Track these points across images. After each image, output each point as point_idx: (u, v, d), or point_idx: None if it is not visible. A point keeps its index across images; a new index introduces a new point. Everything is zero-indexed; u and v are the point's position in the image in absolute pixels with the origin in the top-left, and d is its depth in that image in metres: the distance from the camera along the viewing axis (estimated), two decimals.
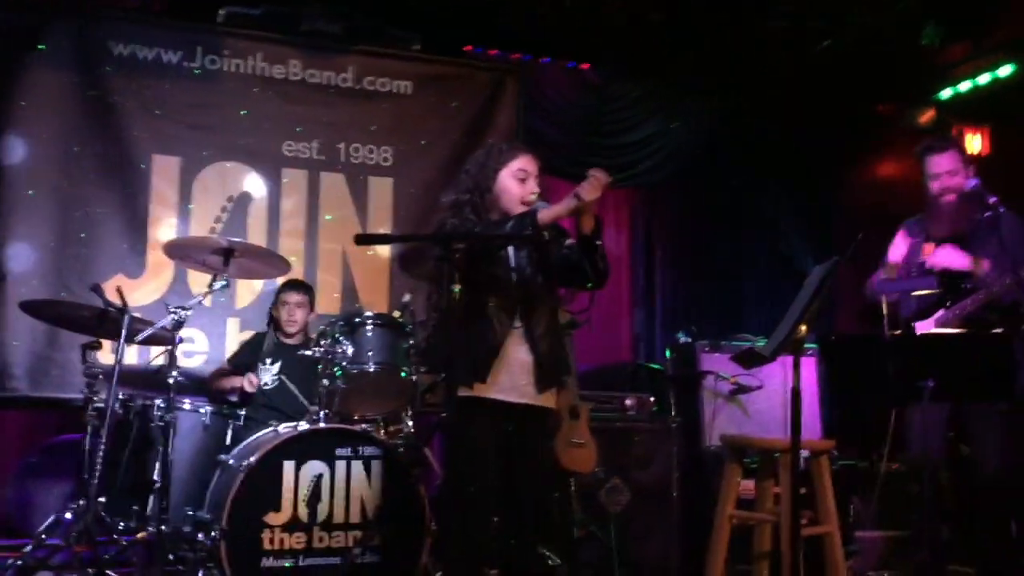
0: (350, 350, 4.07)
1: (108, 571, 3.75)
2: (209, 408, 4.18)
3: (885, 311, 3.97)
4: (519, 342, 3.08)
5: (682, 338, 5.51)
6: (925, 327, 3.90)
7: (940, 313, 3.86)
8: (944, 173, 4.01)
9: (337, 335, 4.11)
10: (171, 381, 3.90)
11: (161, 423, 3.92)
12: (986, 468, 3.85)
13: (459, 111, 5.75)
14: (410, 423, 4.29)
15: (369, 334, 4.15)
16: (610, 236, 6.52)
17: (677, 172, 6.37)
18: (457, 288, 2.67)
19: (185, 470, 4.04)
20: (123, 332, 3.87)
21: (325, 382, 4.05)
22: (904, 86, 6.21)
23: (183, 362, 4.63)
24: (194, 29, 5.30)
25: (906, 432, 4.00)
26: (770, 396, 5.18)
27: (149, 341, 4.08)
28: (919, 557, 3.84)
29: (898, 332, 3.87)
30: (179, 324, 3.94)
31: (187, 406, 4.11)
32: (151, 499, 3.90)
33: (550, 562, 4.37)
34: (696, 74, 6.27)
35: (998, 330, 3.71)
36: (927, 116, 6.07)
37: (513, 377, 3.06)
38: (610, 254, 6.57)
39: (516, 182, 3.13)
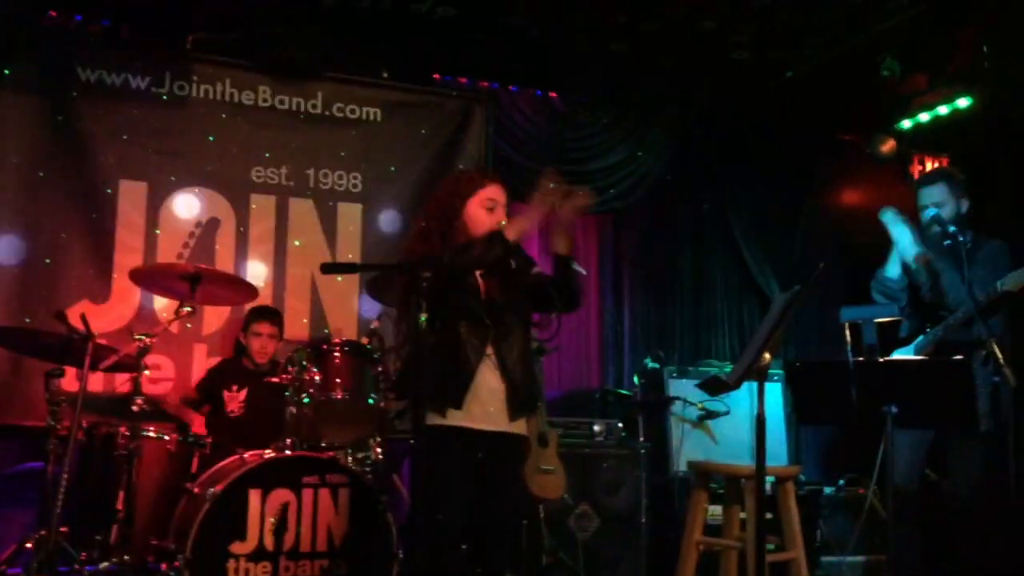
0: (318, 377, 4.05)
1: None
2: (175, 436, 4.14)
3: (848, 337, 4.02)
4: (491, 369, 3.08)
5: (650, 364, 5.55)
6: (904, 352, 3.97)
7: (919, 339, 3.93)
8: (929, 205, 4.07)
9: (304, 362, 4.09)
10: (136, 408, 3.86)
11: (125, 451, 3.87)
12: (957, 492, 3.90)
13: (428, 138, 5.78)
14: (378, 450, 4.28)
15: (337, 361, 4.13)
16: (578, 261, 6.53)
17: (644, 198, 6.44)
18: (424, 317, 2.68)
19: (149, 498, 4.00)
20: (87, 359, 3.83)
21: (292, 409, 4.03)
22: (866, 116, 6.33)
23: (149, 389, 4.59)
24: (163, 55, 5.28)
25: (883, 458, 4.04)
26: (737, 422, 5.23)
27: (114, 368, 4.05)
28: None
29: (861, 359, 3.92)
30: (144, 351, 3.91)
31: (152, 433, 4.06)
32: (114, 528, 3.84)
33: None
34: (661, 103, 6.36)
35: (958, 357, 3.78)
36: (888, 146, 6.19)
37: (484, 405, 3.06)
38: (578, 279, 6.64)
39: (484, 211, 3.16)
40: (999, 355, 3.57)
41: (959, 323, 3.84)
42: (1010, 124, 5.83)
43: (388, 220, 5.62)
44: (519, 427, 3.14)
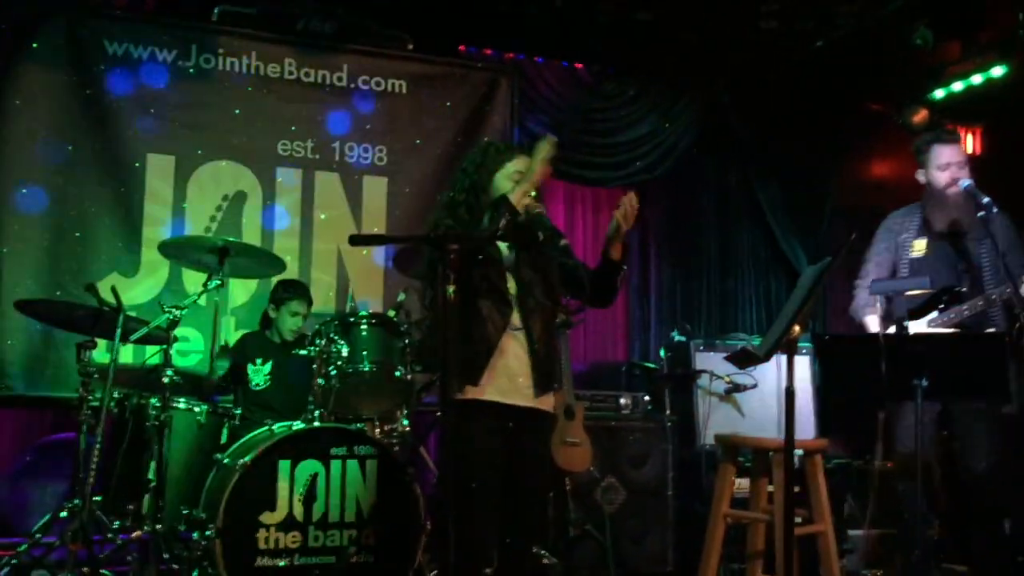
0: (345, 349, 4.07)
1: (103, 570, 3.75)
2: (204, 407, 4.17)
3: (881, 312, 3.99)
4: (517, 344, 3.07)
5: (677, 337, 5.52)
6: (917, 327, 3.91)
7: (934, 315, 3.87)
8: (954, 164, 4.01)
9: (332, 334, 4.11)
10: (166, 380, 3.90)
11: (156, 422, 3.91)
12: (976, 467, 3.87)
13: (453, 110, 5.75)
14: (405, 422, 4.30)
15: (364, 333, 4.15)
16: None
17: (671, 170, 6.39)
18: (451, 289, 2.67)
19: (180, 469, 4.04)
20: (118, 331, 3.86)
21: (320, 381, 4.05)
22: (897, 86, 6.23)
23: (178, 361, 4.63)
24: (189, 27, 5.29)
25: (894, 431, 4.01)
26: (765, 395, 5.19)
27: (144, 340, 4.08)
28: (912, 555, 3.86)
29: (891, 331, 3.88)
30: (174, 323, 3.94)
31: (182, 405, 4.10)
32: (146, 498, 3.89)
33: (545, 561, 4.38)
34: (688, 73, 6.29)
35: (991, 330, 3.73)
36: (920, 116, 6.09)
37: (512, 379, 3.05)
38: None
39: (512, 184, 3.13)
40: None
41: (993, 304, 3.78)
42: None
43: (413, 193, 5.62)
44: (545, 403, 3.14)
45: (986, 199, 3.77)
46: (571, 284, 3.20)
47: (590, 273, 3.21)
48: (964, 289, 3.85)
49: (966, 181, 3.87)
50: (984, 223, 3.80)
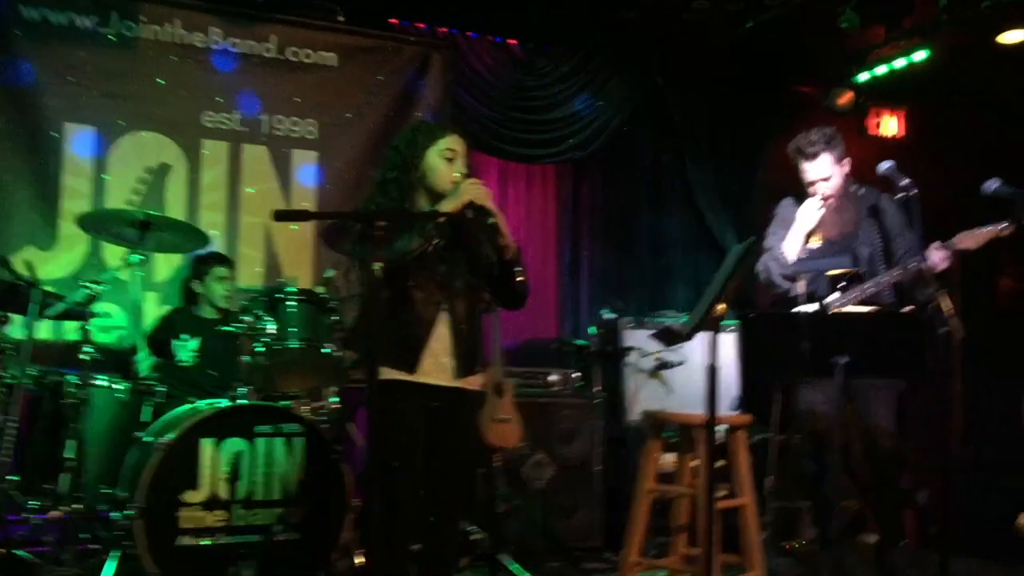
0: (272, 326, 4.01)
1: (20, 550, 3.66)
2: (126, 384, 4.08)
3: (802, 289, 4.05)
4: (443, 325, 3.08)
5: (606, 314, 5.56)
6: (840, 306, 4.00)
7: (836, 296, 3.93)
8: (818, 180, 4.00)
9: (259, 310, 4.05)
10: (85, 357, 3.80)
11: (74, 400, 3.82)
12: (882, 440, 3.97)
13: (385, 85, 5.68)
14: (334, 399, 4.26)
15: (292, 310, 4.09)
16: (536, 211, 6.54)
17: (603, 149, 6.42)
18: (378, 266, 2.65)
19: (100, 448, 3.95)
20: (33, 306, 3.75)
21: (246, 358, 3.99)
22: (824, 68, 6.34)
23: (99, 337, 4.51)
24: None
25: (799, 406, 4.09)
26: (692, 372, 5.27)
27: (62, 316, 3.97)
28: (828, 528, 3.96)
29: (813, 310, 3.96)
30: (92, 298, 3.83)
31: (102, 382, 4.00)
32: (64, 477, 3.80)
33: (474, 537, 4.40)
34: (622, 52, 6.31)
35: (908, 308, 3.83)
36: (846, 98, 6.21)
37: (437, 360, 3.07)
38: (536, 229, 6.63)
39: (444, 161, 3.12)
40: (948, 306, 3.62)
41: (898, 280, 3.86)
42: (966, 77, 5.87)
43: (343, 168, 5.54)
44: (470, 383, 3.16)
45: (905, 180, 3.84)
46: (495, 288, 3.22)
47: (492, 280, 3.20)
48: (864, 271, 3.91)
49: (885, 164, 3.94)
50: (904, 204, 3.87)
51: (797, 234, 4.04)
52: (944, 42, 5.61)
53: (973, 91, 5.93)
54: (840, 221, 4.04)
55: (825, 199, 4.01)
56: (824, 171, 4.01)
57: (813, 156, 4.02)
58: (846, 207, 4.03)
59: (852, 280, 3.83)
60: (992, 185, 3.58)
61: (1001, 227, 3.63)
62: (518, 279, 3.12)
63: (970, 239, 3.71)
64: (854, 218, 4.02)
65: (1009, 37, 5.26)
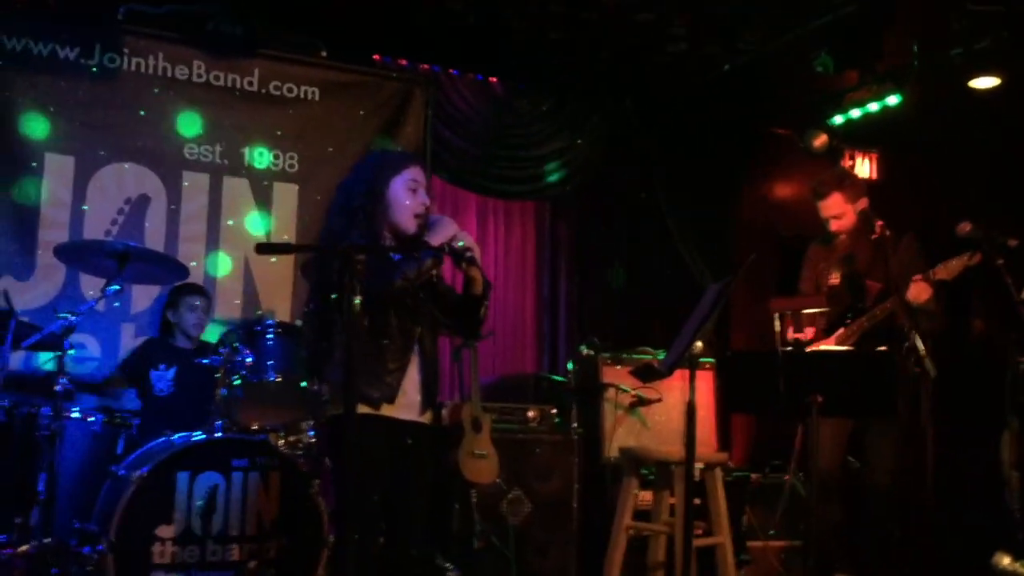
0: (250, 359, 4.00)
1: None
2: (100, 416, 4.04)
3: (777, 328, 4.12)
4: (415, 360, 3.11)
5: (584, 350, 5.59)
6: (826, 343, 4.10)
7: (840, 331, 4.08)
8: (831, 217, 4.29)
9: (237, 343, 4.04)
10: (58, 388, 3.77)
11: (47, 432, 3.78)
12: (879, 481, 4.04)
13: (366, 119, 5.71)
14: (311, 433, 4.24)
15: (270, 343, 4.08)
16: (515, 247, 6.58)
17: (582, 186, 6.48)
18: (357, 300, 2.66)
19: (73, 481, 3.91)
20: (8, 336, 3.72)
21: (223, 391, 3.97)
22: (799, 111, 6.44)
23: (74, 368, 4.48)
24: (93, 25, 5.12)
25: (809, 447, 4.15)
26: (669, 409, 5.29)
27: (37, 346, 3.94)
28: (808, 566, 3.98)
29: (788, 348, 4.02)
30: (69, 330, 3.81)
31: (76, 414, 3.96)
32: (35, 511, 3.74)
33: (448, 573, 4.37)
34: (600, 92, 6.39)
35: (881, 348, 3.89)
36: (820, 140, 6.31)
37: (408, 396, 3.09)
38: (515, 265, 6.66)
39: (408, 192, 3.14)
40: (921, 347, 3.68)
41: (886, 315, 3.97)
42: (938, 122, 5.99)
43: (324, 201, 5.54)
44: (427, 418, 3.19)
45: (879, 223, 3.94)
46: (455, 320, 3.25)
47: (455, 314, 3.23)
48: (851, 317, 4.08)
49: (861, 205, 4.05)
50: (878, 245, 3.98)
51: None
52: (916, 87, 5.73)
53: (945, 135, 6.04)
54: (851, 254, 4.18)
55: (837, 232, 4.18)
56: (836, 208, 4.21)
57: (824, 195, 4.27)
58: (857, 242, 4.16)
59: (855, 315, 4.01)
60: (964, 228, 3.71)
61: (969, 255, 3.87)
62: (483, 312, 3.15)
63: (944, 270, 3.93)
64: (869, 256, 4.15)
65: (980, 83, 5.38)
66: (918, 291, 3.92)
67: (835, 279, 4.35)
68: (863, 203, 4.25)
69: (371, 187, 3.13)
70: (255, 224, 5.39)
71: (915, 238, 4.20)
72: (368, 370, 2.99)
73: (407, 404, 3.09)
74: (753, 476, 5.13)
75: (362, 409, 2.97)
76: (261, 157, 5.46)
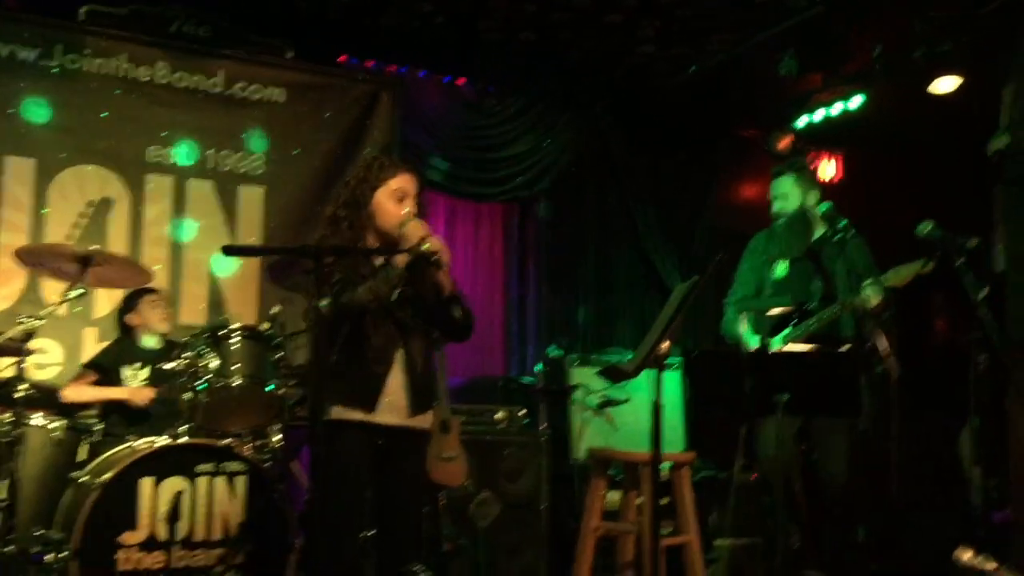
0: (215, 363, 3.96)
1: None
2: (62, 422, 3.98)
3: (742, 328, 4.14)
4: (399, 363, 3.06)
5: (552, 352, 5.60)
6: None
7: (788, 331, 4.07)
8: (778, 196, 4.26)
9: (202, 347, 4.00)
10: (18, 395, 3.71)
11: (8, 439, 3.71)
12: (834, 479, 4.06)
13: (333, 121, 5.68)
14: (277, 437, 4.21)
15: (235, 346, 4.05)
16: (483, 249, 6.57)
17: (550, 188, 6.49)
18: (325, 303, 2.64)
19: (34, 488, 3.84)
20: None
21: (188, 395, 3.93)
22: (766, 112, 6.50)
23: (35, 374, 4.41)
24: (54, 26, 5.06)
25: (756, 444, 4.18)
26: (637, 409, 5.31)
27: None
28: (773, 564, 4.01)
29: (754, 349, 4.05)
30: (30, 334, 3.75)
31: (37, 420, 3.90)
32: None
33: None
34: (569, 93, 6.41)
35: (846, 347, 3.93)
36: (785, 142, 6.37)
37: (393, 399, 3.04)
38: (484, 267, 6.65)
39: (393, 201, 3.11)
40: (884, 347, 3.72)
41: (836, 316, 3.99)
42: (900, 123, 6.07)
43: (290, 204, 5.52)
44: (420, 421, 3.14)
45: (843, 221, 3.97)
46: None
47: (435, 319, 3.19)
48: (813, 306, 4.06)
49: (824, 204, 4.08)
50: (839, 243, 4.01)
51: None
52: (879, 89, 5.80)
53: (907, 136, 6.12)
54: (787, 241, 4.18)
55: (776, 214, 4.17)
56: (783, 189, 4.21)
57: (779, 175, 4.27)
58: (793, 231, 4.17)
59: (801, 317, 3.98)
60: (925, 228, 3.72)
61: (922, 264, 3.79)
62: (457, 315, 3.12)
63: (896, 277, 3.87)
64: (800, 241, 4.15)
65: (941, 86, 5.45)
66: (867, 296, 3.86)
67: (782, 271, 4.30)
68: (814, 199, 4.22)
69: (355, 195, 3.11)
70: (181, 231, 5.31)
71: (864, 241, 4.17)
72: (350, 373, 2.95)
73: (392, 408, 3.03)
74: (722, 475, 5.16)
75: (343, 414, 2.95)
76: (226, 159, 5.42)
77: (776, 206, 4.26)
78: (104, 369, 4.51)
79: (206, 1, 5.32)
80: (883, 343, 3.74)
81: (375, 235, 3.11)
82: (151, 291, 4.66)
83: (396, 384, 3.05)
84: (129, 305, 4.63)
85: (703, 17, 5.56)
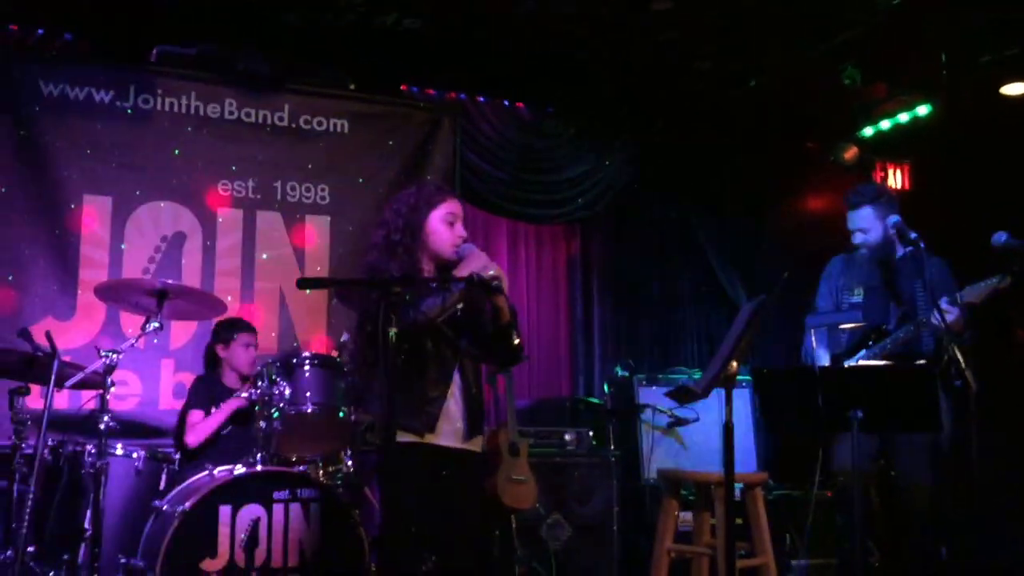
0: (287, 391, 4.04)
1: None
2: (142, 453, 4.10)
3: (814, 344, 4.08)
4: (456, 387, 3.14)
5: (620, 372, 5.58)
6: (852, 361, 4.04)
7: (863, 352, 4.00)
8: (857, 230, 4.19)
9: (274, 376, 4.08)
10: (102, 426, 3.82)
11: (92, 469, 3.83)
12: (917, 495, 3.96)
13: (396, 149, 5.77)
14: (350, 463, 4.27)
15: (307, 374, 4.12)
16: (546, 270, 6.59)
17: (611, 207, 6.48)
18: (393, 331, 2.68)
19: (118, 517, 3.98)
20: (52, 377, 3.78)
21: (262, 424, 4.01)
22: (829, 124, 6.41)
23: (116, 405, 4.54)
24: (127, 68, 5.24)
25: (834, 461, 4.10)
26: (707, 428, 5.26)
27: (80, 385, 4.00)
28: None
29: (827, 364, 3.98)
30: (111, 368, 3.87)
31: (119, 451, 4.02)
32: (82, 547, 3.80)
33: None
34: (626, 112, 6.40)
35: (922, 362, 3.84)
36: (851, 153, 6.27)
37: (452, 422, 3.11)
38: (547, 288, 6.65)
39: (445, 225, 3.19)
40: (962, 360, 3.63)
41: (917, 333, 3.90)
42: (970, 130, 5.93)
43: (356, 232, 5.61)
44: (474, 444, 3.21)
45: (913, 235, 3.89)
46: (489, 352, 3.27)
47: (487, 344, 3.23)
48: (890, 327, 3.99)
49: (894, 218, 3.99)
50: (914, 259, 3.92)
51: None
52: (947, 96, 5.68)
53: (977, 143, 5.98)
54: (868, 271, 4.11)
55: (860, 245, 4.14)
56: (863, 223, 4.13)
57: (857, 206, 4.17)
58: (877, 260, 4.09)
59: (878, 338, 3.91)
60: (1000, 237, 3.63)
61: (999, 280, 3.70)
62: (516, 340, 3.15)
63: (973, 294, 3.77)
64: (883, 268, 4.08)
65: (1011, 89, 5.33)
66: (945, 315, 3.73)
67: (858, 295, 4.26)
68: (894, 218, 4.15)
69: (409, 221, 3.17)
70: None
71: (941, 259, 4.08)
72: (408, 400, 3.01)
73: (450, 431, 3.11)
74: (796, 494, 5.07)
75: (405, 438, 3.00)
76: (293, 191, 5.54)
77: (857, 239, 4.21)
78: (207, 407, 4.57)
79: (269, 38, 5.46)
80: (960, 356, 3.64)
81: (429, 259, 3.18)
82: (249, 329, 4.71)
83: (454, 407, 3.12)
84: (222, 336, 4.70)
85: (760, 31, 5.51)
